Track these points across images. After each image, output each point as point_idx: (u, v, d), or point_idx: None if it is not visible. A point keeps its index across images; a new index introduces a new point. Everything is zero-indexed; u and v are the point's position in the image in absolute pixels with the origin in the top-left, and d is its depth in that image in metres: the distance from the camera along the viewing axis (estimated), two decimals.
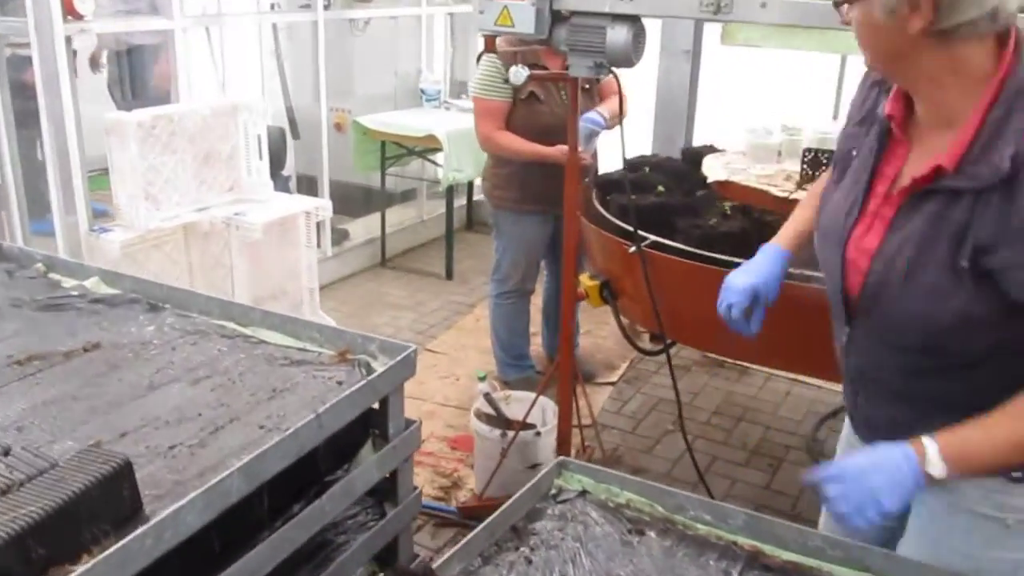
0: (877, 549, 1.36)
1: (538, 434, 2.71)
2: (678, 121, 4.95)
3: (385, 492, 1.75)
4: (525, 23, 2.05)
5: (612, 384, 3.69)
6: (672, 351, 2.59)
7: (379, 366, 1.75)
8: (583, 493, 1.58)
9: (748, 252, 1.71)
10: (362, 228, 5.24)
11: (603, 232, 2.46)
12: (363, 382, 1.59)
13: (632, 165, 3.05)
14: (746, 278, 1.65)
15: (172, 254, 3.51)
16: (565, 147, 2.94)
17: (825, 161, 2.53)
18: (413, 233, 5.53)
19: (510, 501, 1.46)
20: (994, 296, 1.24)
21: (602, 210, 2.59)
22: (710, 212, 2.53)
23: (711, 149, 3.36)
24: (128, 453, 1.43)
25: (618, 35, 2.02)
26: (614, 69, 2.12)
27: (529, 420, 2.74)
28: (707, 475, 3.05)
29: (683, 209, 2.49)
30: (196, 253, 3.60)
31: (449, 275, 5.00)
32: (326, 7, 4.37)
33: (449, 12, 5.57)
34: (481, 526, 1.38)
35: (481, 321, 4.37)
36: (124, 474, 1.21)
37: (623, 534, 1.49)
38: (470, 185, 5.71)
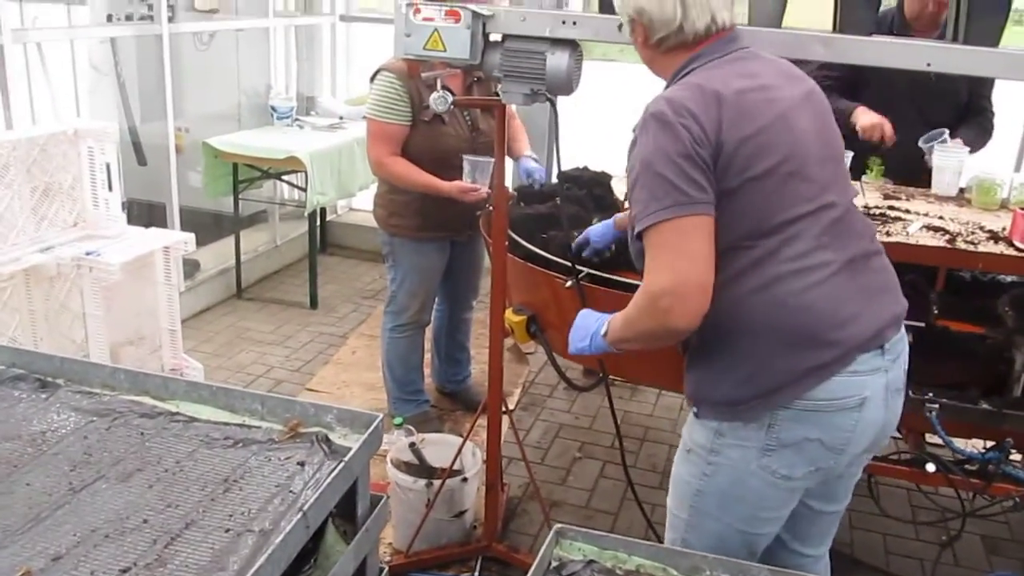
0: None
1: (465, 480, 2.55)
2: (540, 141, 4.88)
3: None
4: (459, 48, 1.90)
5: (509, 413, 3.58)
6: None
7: (339, 438, 1.55)
8: (589, 563, 1.45)
9: None
10: (212, 257, 4.84)
11: (531, 265, 2.34)
12: (340, 465, 1.39)
13: (541, 194, 2.97)
14: None
15: (11, 302, 3.06)
16: (460, 183, 2.82)
17: None
18: (267, 259, 5.18)
19: None
20: None
21: (523, 241, 2.47)
22: None
23: (586, 171, 3.33)
24: None
25: (559, 61, 1.91)
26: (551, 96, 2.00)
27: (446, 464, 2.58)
28: (626, 502, 3.01)
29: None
30: (39, 299, 3.16)
31: (314, 304, 4.71)
32: (170, 19, 3.99)
33: (295, 25, 5.27)
34: None
35: (358, 353, 4.14)
36: None
37: None
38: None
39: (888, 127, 3.01)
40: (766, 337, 1.59)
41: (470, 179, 2.83)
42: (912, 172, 2.93)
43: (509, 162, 2.54)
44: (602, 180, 2.93)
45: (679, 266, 1.53)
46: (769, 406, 1.60)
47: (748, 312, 1.59)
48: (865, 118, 3.05)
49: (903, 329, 1.70)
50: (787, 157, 1.58)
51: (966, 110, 3.13)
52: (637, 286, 2.24)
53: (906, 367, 1.71)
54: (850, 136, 3.12)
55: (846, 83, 3.14)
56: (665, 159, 1.53)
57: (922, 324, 2.13)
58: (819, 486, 1.73)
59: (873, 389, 1.61)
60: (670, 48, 1.68)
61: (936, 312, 2.22)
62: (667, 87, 1.68)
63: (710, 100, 1.56)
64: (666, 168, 1.53)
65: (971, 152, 2.92)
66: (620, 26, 1.76)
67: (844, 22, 1.81)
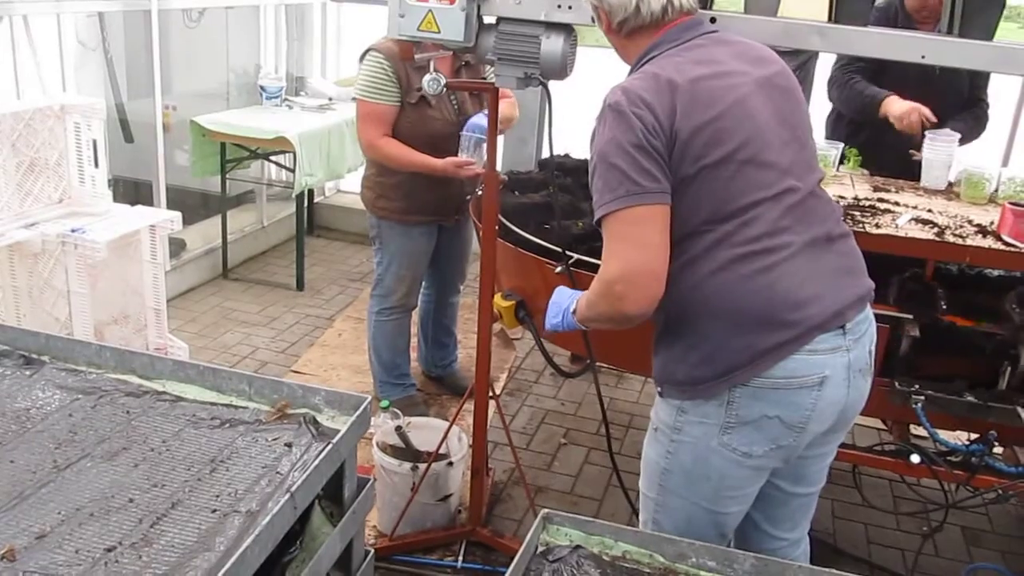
0: None
1: (450, 464, 2.55)
2: (531, 127, 4.87)
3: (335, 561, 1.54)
4: (453, 30, 1.88)
5: (496, 398, 3.57)
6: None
7: (327, 420, 1.55)
8: (575, 548, 1.45)
9: None
10: (199, 236, 4.80)
11: (521, 251, 2.33)
12: (328, 447, 1.38)
13: (532, 182, 2.95)
14: None
15: None
16: (454, 159, 2.80)
17: None
18: (254, 240, 5.15)
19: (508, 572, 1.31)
20: None
21: (512, 226, 2.46)
22: None
23: (568, 158, 3.31)
24: (56, 562, 1.16)
25: (553, 45, 1.89)
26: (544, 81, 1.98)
27: (431, 448, 2.58)
28: (611, 488, 3.02)
29: None
30: (23, 276, 3.13)
31: (300, 286, 4.69)
32: None
33: (286, 4, 5.22)
34: None
35: (344, 335, 4.12)
36: None
37: None
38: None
39: (924, 110, 2.95)
40: (724, 318, 1.61)
41: (466, 154, 2.79)
42: (909, 165, 2.92)
43: (501, 147, 2.52)
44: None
45: (631, 255, 1.57)
46: (728, 384, 1.62)
47: (706, 294, 1.61)
48: (897, 106, 3.02)
49: (868, 310, 1.71)
50: (744, 143, 1.59)
51: (967, 102, 3.13)
52: None
53: (872, 348, 1.72)
54: (880, 124, 3.10)
55: (873, 66, 3.12)
56: (618, 149, 1.56)
57: (925, 320, 2.13)
58: (786, 467, 1.74)
59: (833, 368, 1.62)
60: (631, 32, 1.71)
61: (944, 307, 2.20)
62: (628, 75, 1.70)
63: (664, 88, 1.58)
64: (619, 158, 1.56)
65: (966, 142, 2.91)
66: (592, 18, 1.79)
67: (840, 12, 1.80)
